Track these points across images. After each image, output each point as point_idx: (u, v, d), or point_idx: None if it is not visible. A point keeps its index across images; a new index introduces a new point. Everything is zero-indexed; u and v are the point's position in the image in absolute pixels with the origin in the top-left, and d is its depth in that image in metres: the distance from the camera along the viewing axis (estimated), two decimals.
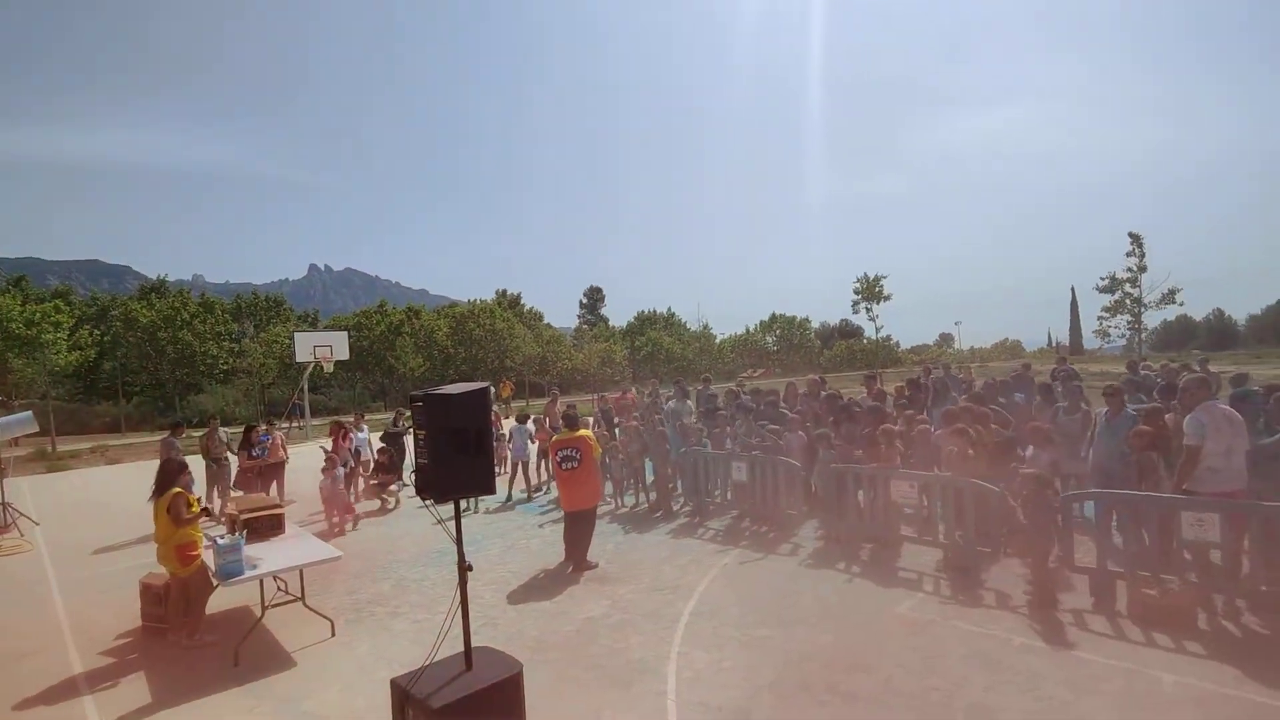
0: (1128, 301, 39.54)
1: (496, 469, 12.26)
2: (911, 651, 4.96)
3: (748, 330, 70.88)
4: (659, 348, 59.11)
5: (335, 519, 9.80)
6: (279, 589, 6.23)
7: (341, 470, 10.05)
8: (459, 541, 3.83)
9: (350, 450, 11.01)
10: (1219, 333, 71.84)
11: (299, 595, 6.03)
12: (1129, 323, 39.85)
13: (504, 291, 65.26)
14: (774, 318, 70.69)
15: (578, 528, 7.27)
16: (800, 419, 8.77)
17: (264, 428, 11.27)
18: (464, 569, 3.83)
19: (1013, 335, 72.23)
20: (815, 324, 74.22)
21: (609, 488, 10.39)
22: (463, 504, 10.38)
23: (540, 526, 9.38)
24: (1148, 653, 4.77)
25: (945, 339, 78.43)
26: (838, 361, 63.26)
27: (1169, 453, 6.22)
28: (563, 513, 7.57)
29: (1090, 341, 51.29)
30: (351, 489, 11.92)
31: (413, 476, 4.19)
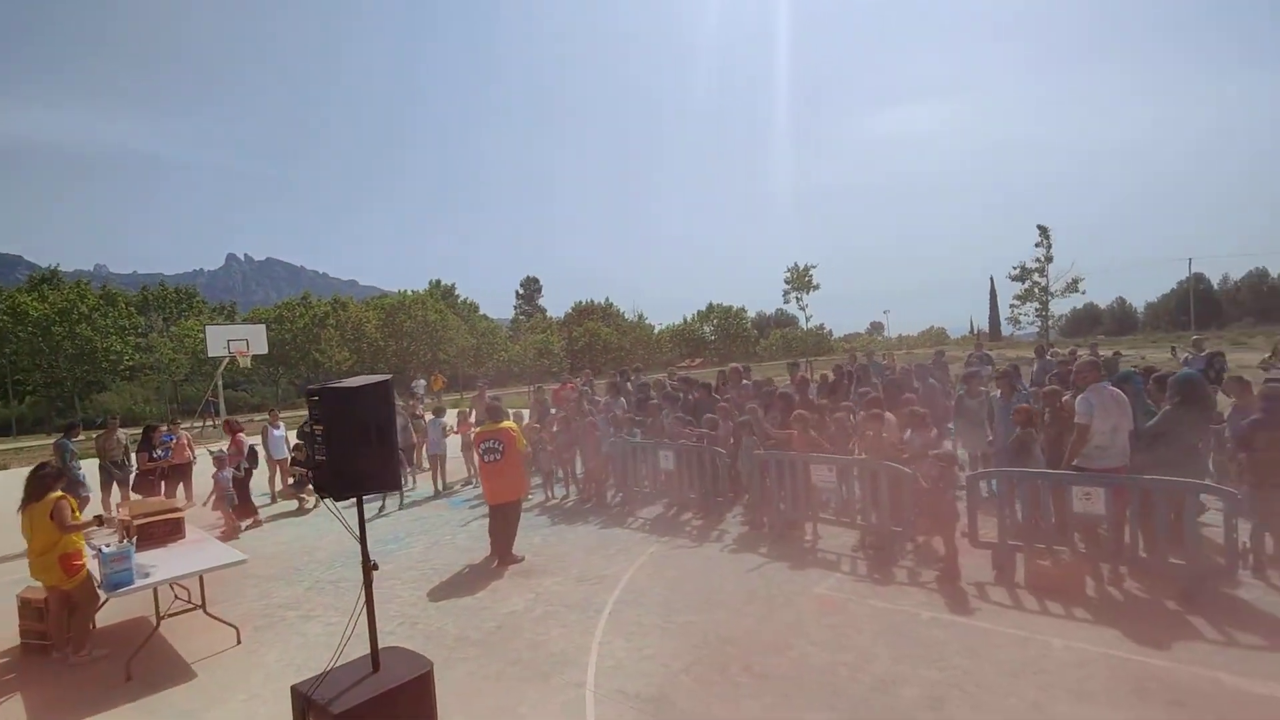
0: (1036, 290, 41.89)
1: (424, 466, 12.02)
2: (826, 629, 5.11)
3: (685, 320, 71.63)
4: (596, 338, 59.00)
5: (243, 522, 9.37)
6: (178, 597, 5.88)
7: (229, 473, 9.44)
8: (363, 540, 3.70)
9: (245, 452, 10.23)
10: (1121, 319, 77.32)
11: (200, 603, 5.71)
12: (1037, 310, 42.25)
13: (438, 282, 63.49)
14: (711, 308, 71.65)
15: (502, 521, 7.16)
16: (728, 408, 8.88)
17: (165, 428, 10.60)
18: (369, 568, 3.70)
19: (939, 323, 75.51)
20: (752, 313, 75.66)
21: (540, 479, 10.30)
22: (385, 501, 10.16)
23: (467, 521, 9.20)
24: (1041, 620, 5.07)
25: (876, 327, 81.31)
26: (774, 350, 64.70)
27: (1065, 428, 6.60)
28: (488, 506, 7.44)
29: (1006, 329, 54.15)
30: (267, 487, 11.39)
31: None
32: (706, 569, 6.62)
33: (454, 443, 11.80)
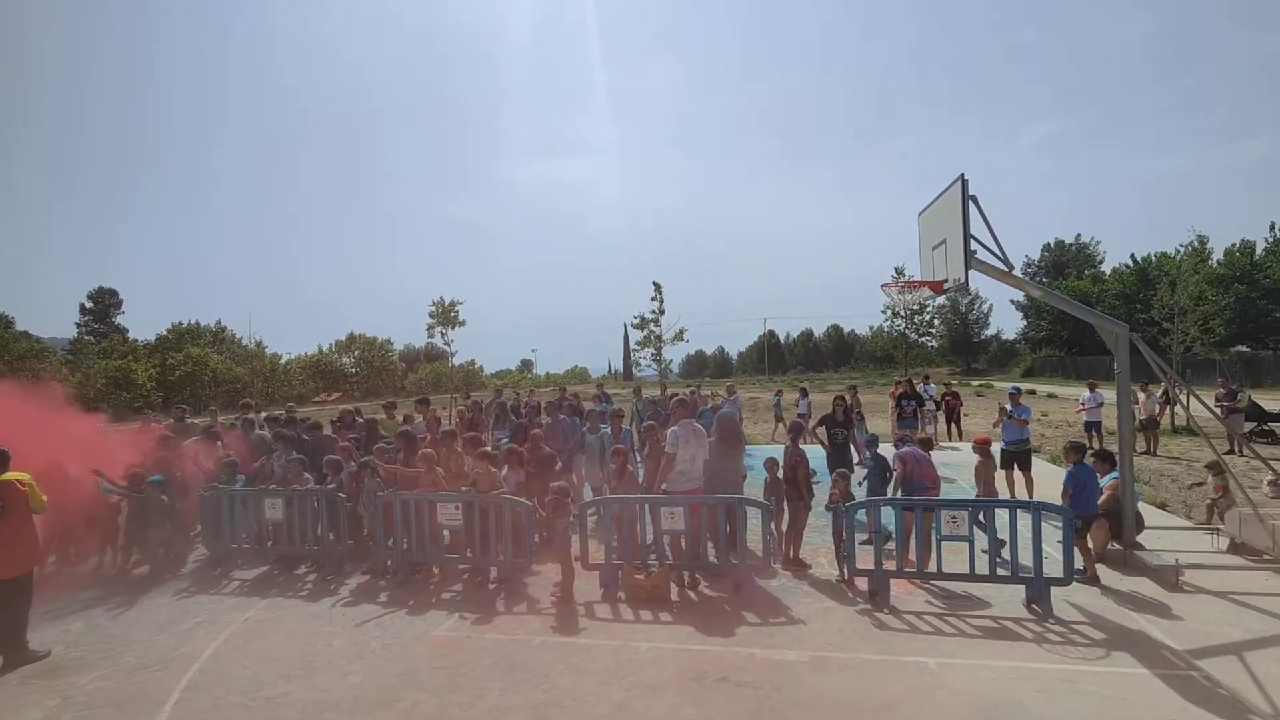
0: (652, 337, 49.08)
1: None
2: (440, 672, 4.98)
3: (321, 350, 64.71)
4: (203, 367, 49.25)
5: None
6: None
7: None
8: None
9: None
10: (721, 364, 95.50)
11: None
12: (653, 355, 49.51)
13: None
14: (352, 338, 66.18)
15: (4, 607, 5.31)
16: (349, 448, 8.19)
17: None
18: None
19: (582, 362, 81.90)
20: (399, 346, 72.00)
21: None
22: None
23: None
24: (634, 628, 5.75)
25: (526, 364, 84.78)
26: (423, 385, 62.34)
27: (659, 459, 7.72)
28: None
29: (636, 370, 61.82)
30: None
31: None
32: (313, 629, 5.91)
33: None
